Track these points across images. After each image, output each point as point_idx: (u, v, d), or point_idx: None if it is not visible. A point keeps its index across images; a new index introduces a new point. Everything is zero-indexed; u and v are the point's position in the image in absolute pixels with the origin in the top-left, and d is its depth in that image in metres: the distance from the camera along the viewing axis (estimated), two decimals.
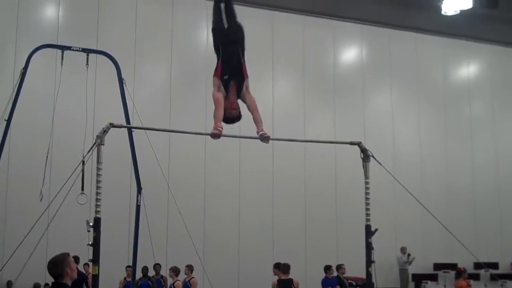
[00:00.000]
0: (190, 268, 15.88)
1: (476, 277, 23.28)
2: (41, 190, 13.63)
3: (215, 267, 18.41)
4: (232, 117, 8.13)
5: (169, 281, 16.37)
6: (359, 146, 8.95)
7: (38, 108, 19.35)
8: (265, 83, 23.09)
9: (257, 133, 8.09)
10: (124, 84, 14.77)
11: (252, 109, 8.17)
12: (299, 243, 22.60)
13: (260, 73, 22.08)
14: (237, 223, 22.18)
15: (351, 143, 8.90)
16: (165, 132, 20.35)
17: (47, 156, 14.65)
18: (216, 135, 7.89)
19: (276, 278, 13.59)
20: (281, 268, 13.26)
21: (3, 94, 16.64)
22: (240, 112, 8.26)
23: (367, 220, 8.68)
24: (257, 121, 8.18)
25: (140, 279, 16.88)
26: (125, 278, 17.24)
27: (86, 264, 16.15)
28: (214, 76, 8.19)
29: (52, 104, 15.74)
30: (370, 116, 24.98)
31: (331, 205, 23.20)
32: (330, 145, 21.69)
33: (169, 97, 22.17)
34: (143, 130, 14.31)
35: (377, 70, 25.64)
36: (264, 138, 8.11)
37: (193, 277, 15.74)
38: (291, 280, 13.07)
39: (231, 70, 8.12)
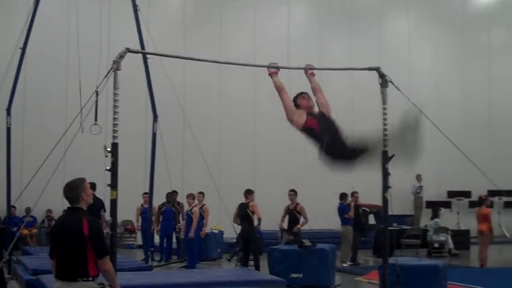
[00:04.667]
0: (202, 194, 16.15)
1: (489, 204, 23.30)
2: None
3: (229, 196, 18.56)
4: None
5: (186, 207, 16.58)
6: (377, 71, 8.80)
7: (52, 36, 19.23)
8: (279, 8, 22.89)
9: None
10: (138, 11, 14.61)
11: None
12: (313, 169, 22.67)
13: None
14: (252, 151, 22.27)
15: (370, 69, 8.74)
16: (180, 62, 20.24)
17: (79, 89, 13.80)
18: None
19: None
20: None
21: (17, 22, 16.47)
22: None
23: (385, 146, 8.60)
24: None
25: (163, 204, 17.22)
26: (142, 205, 17.46)
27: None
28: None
29: (66, 32, 15.65)
30: (386, 42, 24.69)
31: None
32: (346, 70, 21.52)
33: (183, 25, 21.98)
34: (158, 59, 14.25)
35: None
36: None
37: (204, 204, 16.01)
38: (247, 203, 14.88)
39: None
